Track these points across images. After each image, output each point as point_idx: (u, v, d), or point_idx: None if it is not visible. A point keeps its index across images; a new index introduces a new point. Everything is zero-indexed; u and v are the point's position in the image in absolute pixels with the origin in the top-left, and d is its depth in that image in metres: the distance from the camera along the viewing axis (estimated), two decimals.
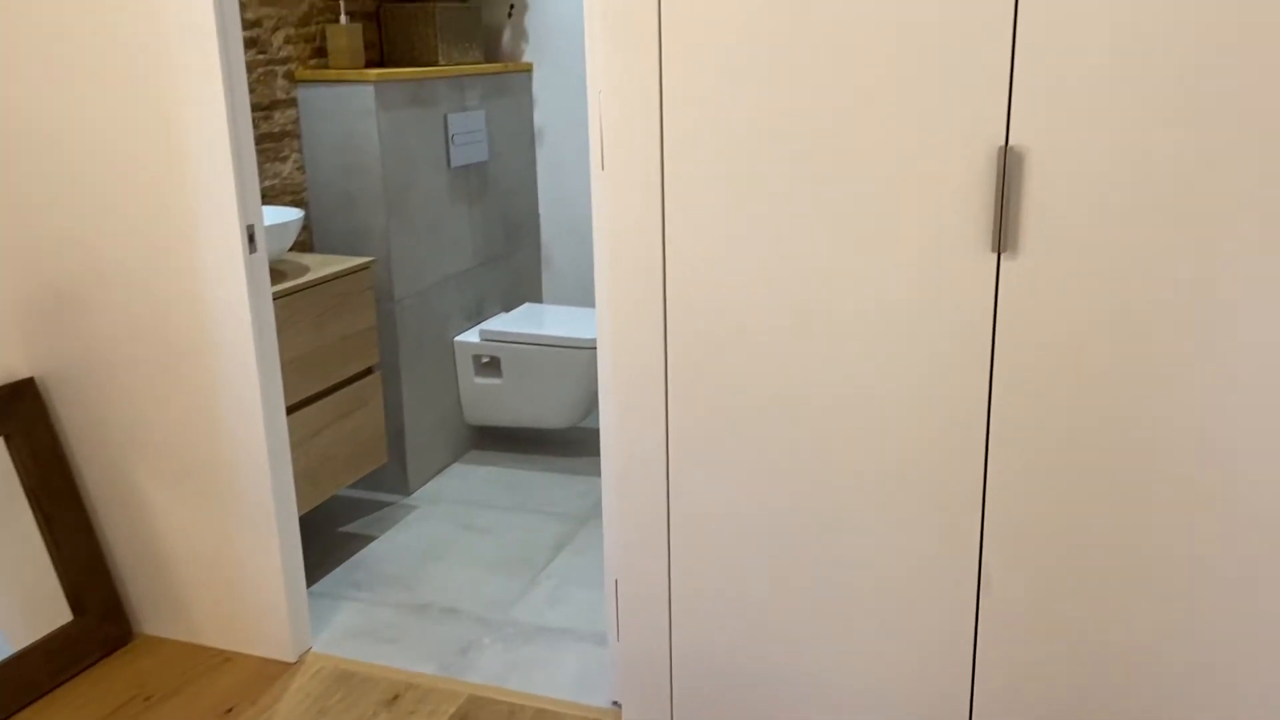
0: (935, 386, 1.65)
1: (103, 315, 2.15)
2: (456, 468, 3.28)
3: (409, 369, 3.04)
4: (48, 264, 2.15)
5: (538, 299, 3.79)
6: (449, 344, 3.24)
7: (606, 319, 1.84)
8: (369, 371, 2.75)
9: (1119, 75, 1.46)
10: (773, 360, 1.72)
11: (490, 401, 3.28)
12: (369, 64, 3.14)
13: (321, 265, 2.61)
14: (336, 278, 2.56)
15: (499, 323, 3.28)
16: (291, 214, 2.58)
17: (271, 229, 2.38)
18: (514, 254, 3.60)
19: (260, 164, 2.74)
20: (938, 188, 1.57)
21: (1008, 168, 1.52)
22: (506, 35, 3.59)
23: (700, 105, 1.65)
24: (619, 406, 1.83)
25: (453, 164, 3.14)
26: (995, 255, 1.57)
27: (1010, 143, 1.52)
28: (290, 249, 2.85)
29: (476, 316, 3.38)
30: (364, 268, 2.66)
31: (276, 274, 2.51)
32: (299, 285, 2.42)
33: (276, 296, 2.36)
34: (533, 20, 3.54)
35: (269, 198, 2.78)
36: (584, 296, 3.75)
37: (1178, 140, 1.45)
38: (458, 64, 3.22)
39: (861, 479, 1.72)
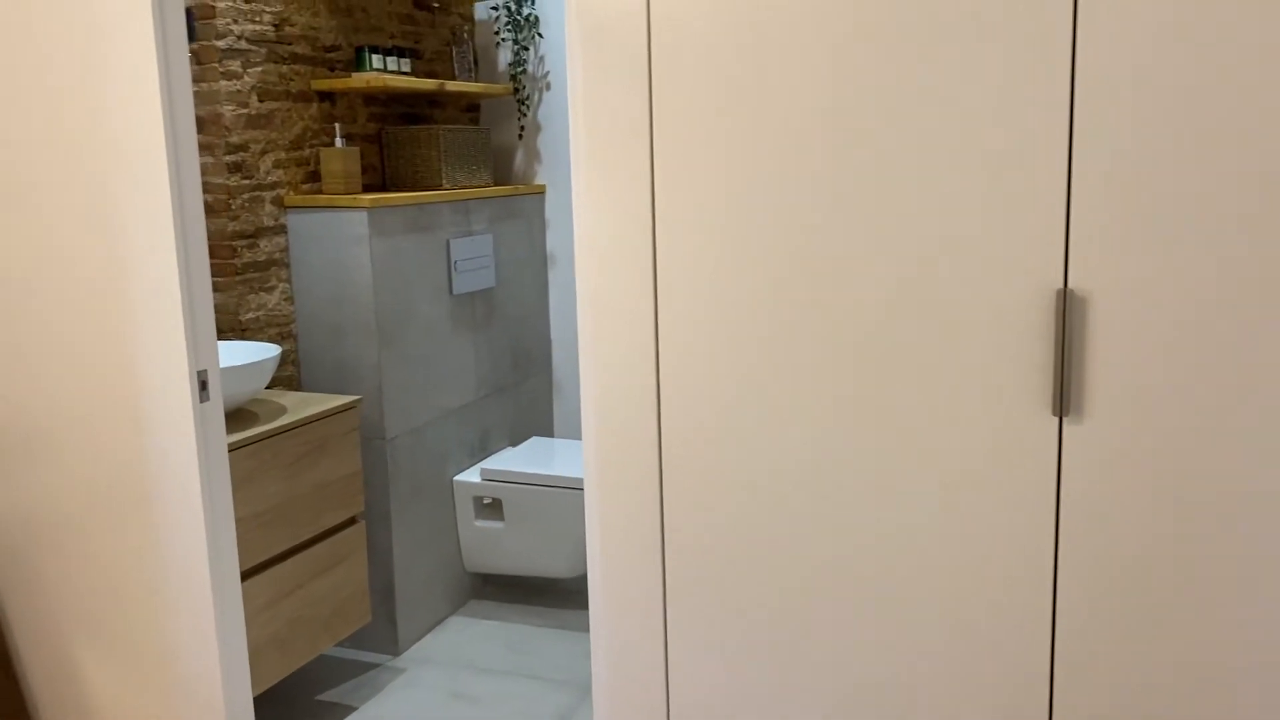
0: (990, 565, 1.36)
1: (45, 466, 1.92)
2: (454, 621, 2.98)
3: (401, 514, 2.78)
4: None
5: (548, 432, 3.54)
6: (448, 484, 2.98)
7: (594, 475, 1.58)
8: (352, 521, 2.49)
9: (1193, 204, 1.20)
10: (802, 525, 1.44)
11: (492, 547, 3.00)
12: (368, 188, 2.99)
13: (301, 405, 2.38)
14: (315, 420, 2.33)
15: (502, 460, 3.03)
16: (267, 351, 2.37)
17: (242, 369, 2.17)
18: (523, 384, 3.37)
19: (242, 295, 2.55)
20: (984, 338, 1.31)
21: (1068, 314, 1.26)
22: (519, 157, 3.44)
23: (703, 234, 1.42)
24: (606, 575, 1.55)
25: (455, 291, 2.94)
26: (1057, 419, 1.29)
27: (1069, 285, 1.27)
28: (273, 386, 2.64)
29: (480, 453, 3.14)
30: (348, 407, 2.43)
31: (248, 416, 2.29)
32: (270, 431, 2.19)
33: (244, 444, 2.13)
34: (546, 140, 3.39)
35: (251, 331, 2.58)
36: None
37: (1262, 282, 1.19)
38: (463, 187, 3.05)
39: (921, 670, 1.42)
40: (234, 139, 2.50)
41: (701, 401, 1.47)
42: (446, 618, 3.00)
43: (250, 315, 2.58)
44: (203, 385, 1.81)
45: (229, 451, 2.09)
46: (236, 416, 2.29)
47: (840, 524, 1.42)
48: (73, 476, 1.90)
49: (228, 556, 1.88)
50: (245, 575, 2.15)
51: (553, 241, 3.45)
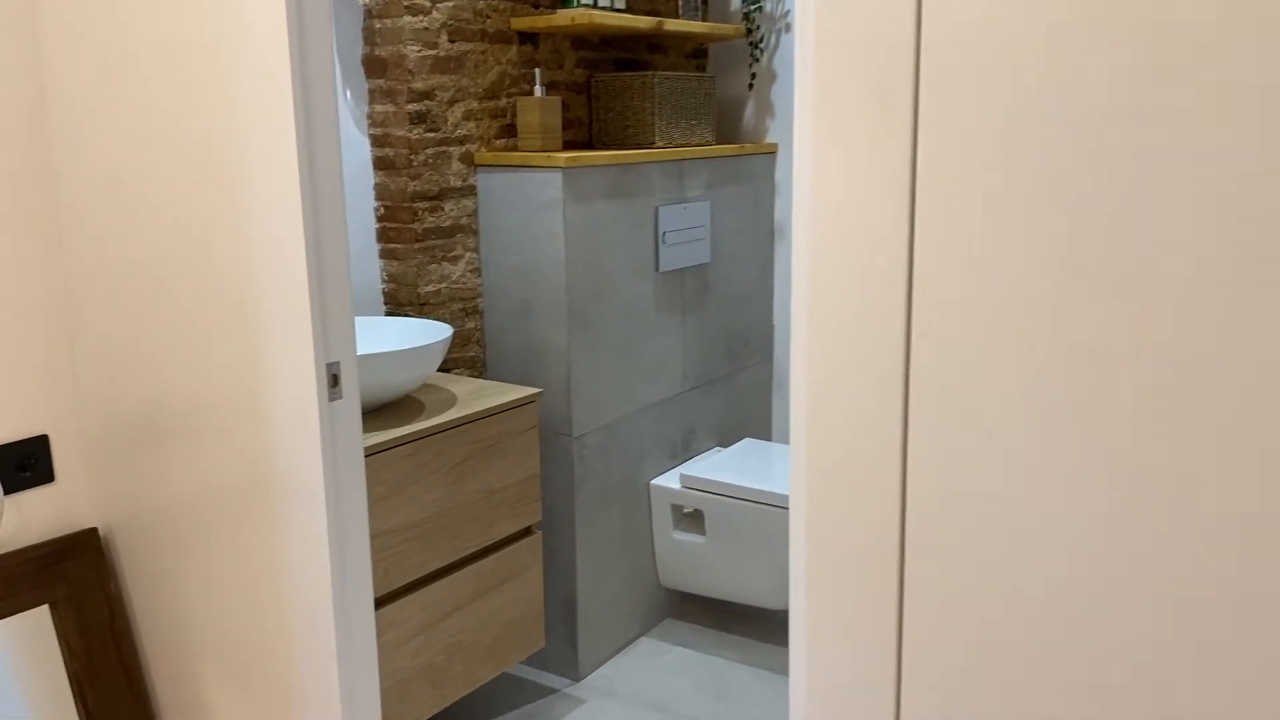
0: None
1: (175, 461, 1.67)
2: (644, 643, 2.61)
3: (588, 520, 2.42)
4: (126, 391, 1.71)
5: (765, 433, 3.09)
6: (644, 488, 2.60)
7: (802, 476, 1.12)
8: (526, 533, 2.15)
9: None
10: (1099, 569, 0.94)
11: (690, 563, 2.60)
12: (572, 145, 2.62)
13: (474, 396, 2.05)
14: (486, 415, 1.99)
15: (707, 465, 2.61)
16: (436, 332, 2.04)
17: (403, 356, 1.84)
18: (737, 376, 2.92)
19: (423, 265, 2.24)
20: None
21: None
22: (748, 110, 2.97)
23: (990, 220, 0.93)
24: (812, 614, 1.09)
25: (661, 267, 2.53)
26: None
27: None
28: (456, 369, 2.33)
29: (683, 453, 2.73)
30: (527, 401, 2.08)
31: (412, 407, 1.97)
32: (431, 429, 1.87)
33: (400, 443, 1.81)
34: (781, 92, 2.91)
35: (431, 306, 2.27)
36: None
37: None
38: (679, 145, 2.63)
39: None
40: (418, 85, 2.18)
41: (976, 410, 0.98)
42: (636, 639, 2.63)
43: (431, 288, 2.27)
44: (334, 380, 1.49)
45: (381, 452, 1.77)
46: (398, 408, 1.98)
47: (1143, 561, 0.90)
48: (202, 476, 1.64)
49: (357, 583, 1.56)
50: (396, 595, 1.85)
51: (782, 210, 2.98)
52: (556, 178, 2.23)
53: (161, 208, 1.56)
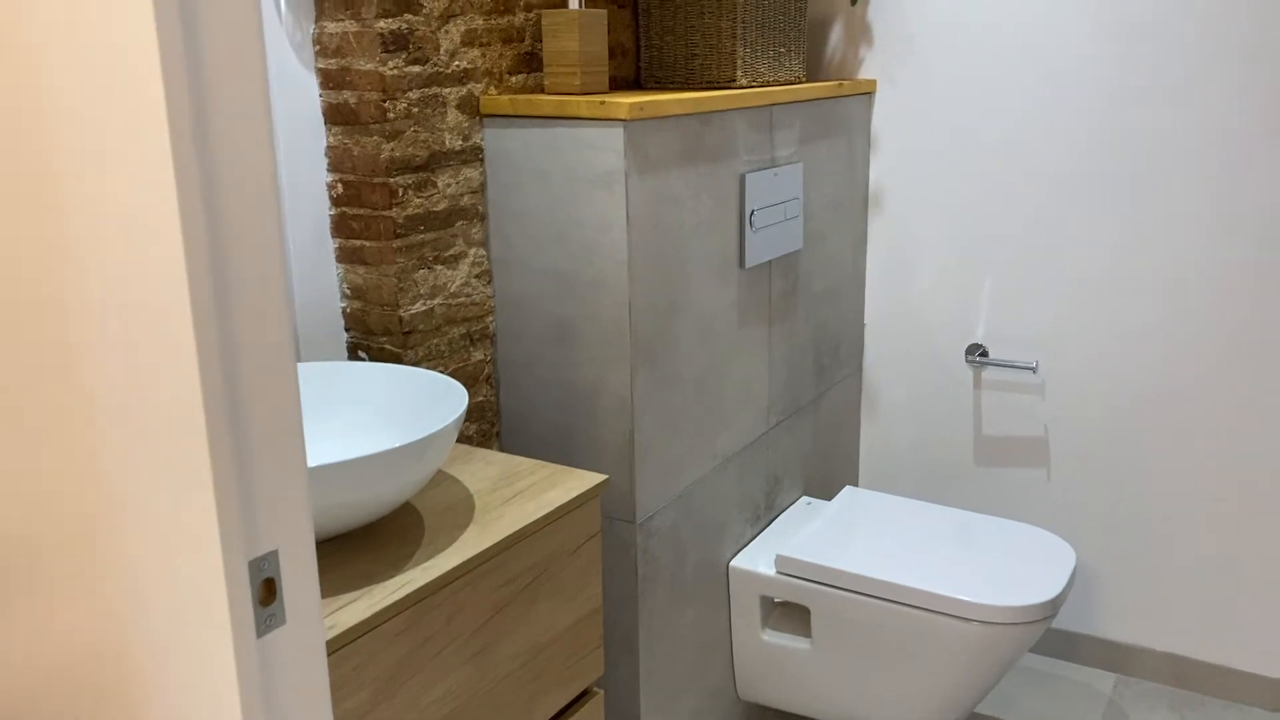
0: None
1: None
2: None
3: (654, 638, 1.67)
4: None
5: (852, 468, 2.35)
6: (723, 572, 1.85)
7: None
8: (584, 696, 1.38)
9: None
10: None
11: (786, 673, 1.86)
12: (615, 85, 1.82)
13: (497, 496, 1.27)
14: (526, 535, 1.21)
15: (809, 540, 1.86)
16: (439, 395, 1.24)
17: (382, 461, 1.05)
18: (825, 397, 2.17)
19: (404, 273, 1.44)
20: None
21: None
22: (834, 35, 2.18)
23: None
24: None
25: (748, 261, 1.76)
26: None
27: None
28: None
29: (767, 512, 1.98)
30: (588, 498, 1.30)
31: (402, 531, 1.19)
32: (441, 579, 1.09)
33: (387, 617, 1.03)
34: (880, 9, 2.12)
35: (420, 335, 1.48)
36: (939, 471, 2.27)
37: None
38: (766, 84, 1.84)
39: None
40: None
41: None
42: None
43: (418, 307, 1.47)
44: (267, 591, 0.70)
45: (359, 639, 1.00)
46: (377, 536, 1.20)
47: None
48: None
49: None
50: None
51: (879, 171, 2.20)
52: (615, 135, 1.43)
53: None
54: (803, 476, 2.11)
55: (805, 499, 2.09)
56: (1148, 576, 2.11)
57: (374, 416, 1.28)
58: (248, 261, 0.65)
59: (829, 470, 2.22)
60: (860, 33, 2.15)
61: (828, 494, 2.22)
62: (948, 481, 2.25)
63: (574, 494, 1.27)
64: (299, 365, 1.30)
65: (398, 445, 1.04)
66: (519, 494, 1.27)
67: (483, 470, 1.34)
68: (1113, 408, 2.06)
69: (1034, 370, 2.09)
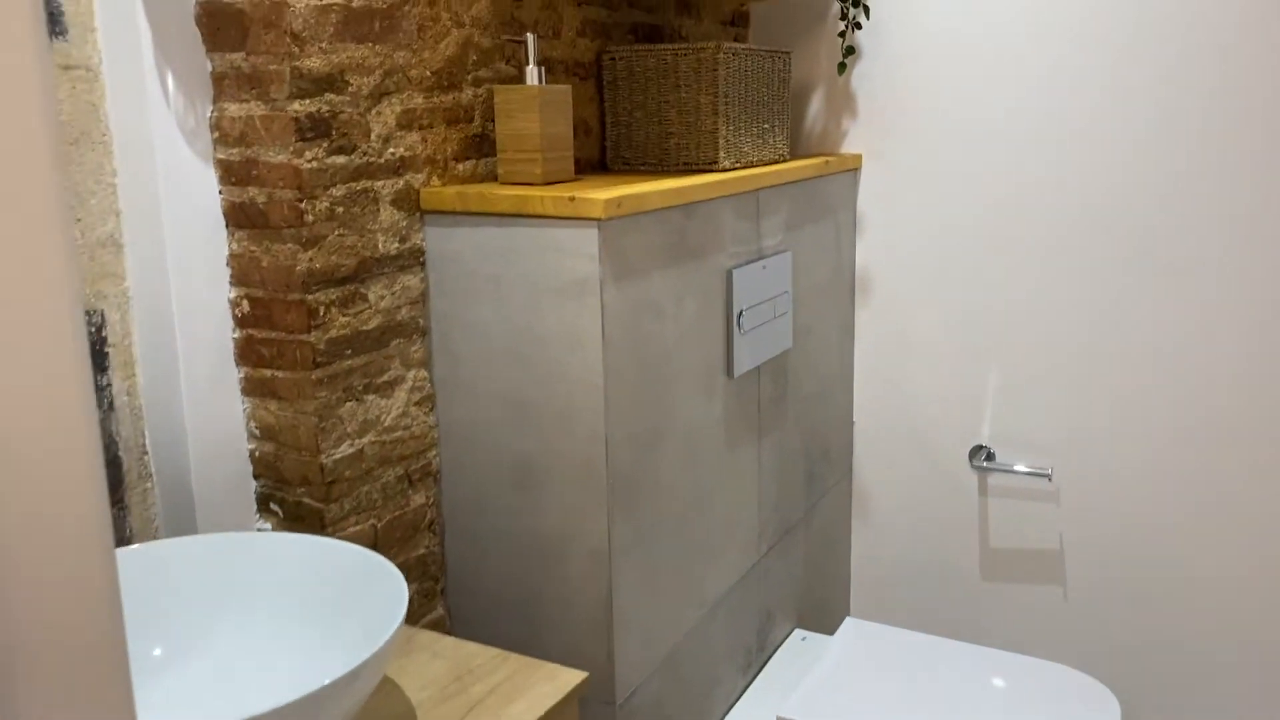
0: None
1: None
2: None
3: None
4: None
5: (844, 588, 2.09)
6: None
7: None
8: None
9: None
10: None
11: None
12: (579, 169, 1.57)
13: (449, 714, 0.98)
14: None
15: (815, 692, 1.58)
16: (368, 583, 0.96)
17: (300, 709, 0.76)
18: (817, 509, 1.92)
19: (327, 408, 1.16)
20: None
21: None
22: (814, 104, 1.96)
23: None
24: None
25: (737, 370, 1.51)
26: None
27: None
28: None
29: (759, 653, 1.71)
30: (564, 706, 1.01)
31: None
32: None
33: None
34: (869, 74, 1.90)
35: (347, 484, 1.19)
36: (943, 591, 2.02)
37: None
38: (750, 165, 1.60)
39: None
40: (313, 63, 1.10)
41: None
42: None
43: (344, 450, 1.18)
44: None
45: None
46: None
47: None
48: None
49: None
50: None
51: (865, 252, 1.98)
52: (589, 237, 1.17)
53: None
54: (795, 607, 1.84)
55: (799, 633, 1.82)
56: (1187, 715, 1.87)
57: (281, 613, 0.99)
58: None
59: (821, 595, 1.96)
60: (844, 102, 1.93)
61: (822, 623, 1.96)
62: (953, 604, 2.00)
63: (547, 704, 0.99)
64: (175, 541, 1.01)
65: (300, 696, 0.75)
66: (476, 706, 0.99)
67: (427, 667, 1.05)
68: (1138, 517, 1.84)
69: (1049, 478, 1.86)
